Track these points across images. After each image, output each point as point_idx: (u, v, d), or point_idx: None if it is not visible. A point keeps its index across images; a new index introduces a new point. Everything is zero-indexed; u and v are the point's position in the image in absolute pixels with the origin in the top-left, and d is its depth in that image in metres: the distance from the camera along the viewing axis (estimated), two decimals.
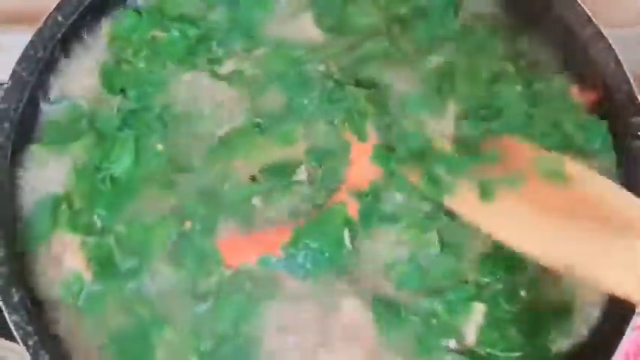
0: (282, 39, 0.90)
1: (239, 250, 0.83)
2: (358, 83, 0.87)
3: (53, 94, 0.87)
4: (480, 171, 0.81)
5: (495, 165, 0.81)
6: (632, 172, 0.84)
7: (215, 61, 0.89)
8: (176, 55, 0.89)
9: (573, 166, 0.79)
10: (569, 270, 0.72)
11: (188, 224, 0.82)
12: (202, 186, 0.84)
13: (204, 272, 0.81)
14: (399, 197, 0.84)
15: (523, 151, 0.82)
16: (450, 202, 0.81)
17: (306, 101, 0.87)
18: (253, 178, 0.84)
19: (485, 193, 0.79)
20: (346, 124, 0.86)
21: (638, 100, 0.82)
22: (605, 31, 0.85)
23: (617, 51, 0.84)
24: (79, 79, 0.88)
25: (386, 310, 0.81)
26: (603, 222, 0.72)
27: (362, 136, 0.85)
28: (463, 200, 0.80)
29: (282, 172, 0.85)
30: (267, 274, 0.82)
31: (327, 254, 0.81)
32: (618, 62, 0.84)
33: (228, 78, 0.88)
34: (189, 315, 0.80)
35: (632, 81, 0.83)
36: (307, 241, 0.81)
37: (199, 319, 0.80)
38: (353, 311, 0.81)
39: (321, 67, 0.88)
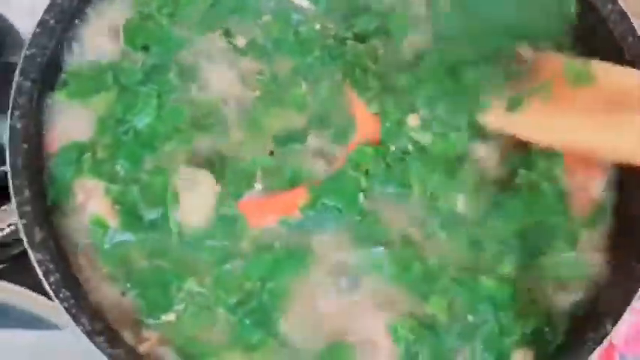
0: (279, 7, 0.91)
1: (260, 211, 0.85)
2: (357, 37, 0.89)
3: (78, 45, 0.89)
4: (511, 86, 0.84)
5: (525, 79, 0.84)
6: None
7: (229, 32, 0.90)
8: (194, 17, 0.90)
9: (599, 66, 0.82)
10: (588, 151, 0.81)
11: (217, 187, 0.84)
12: (219, 149, 0.86)
13: (229, 232, 0.84)
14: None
15: (550, 61, 0.85)
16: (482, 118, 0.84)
17: (310, 61, 0.88)
18: (272, 153, 0.86)
19: (515, 103, 0.82)
20: (347, 79, 0.87)
21: None
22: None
23: None
24: (103, 32, 0.90)
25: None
26: (619, 105, 0.79)
27: (363, 91, 0.87)
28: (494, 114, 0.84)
29: (295, 138, 0.87)
30: (293, 234, 0.84)
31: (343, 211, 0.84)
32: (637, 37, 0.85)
33: (242, 49, 0.90)
34: (216, 269, 0.83)
35: None
36: (325, 201, 0.83)
37: (227, 273, 0.83)
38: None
39: (317, 27, 0.89)
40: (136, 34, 0.89)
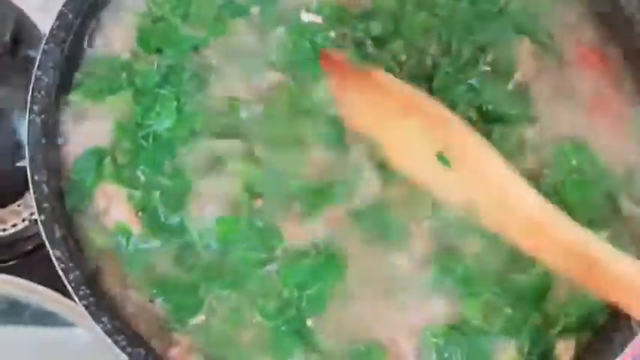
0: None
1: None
2: (376, 42, 0.88)
3: (95, 42, 0.89)
4: None
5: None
6: None
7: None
8: (205, 18, 0.90)
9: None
10: None
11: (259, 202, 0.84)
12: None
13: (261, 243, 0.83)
14: None
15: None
16: None
17: None
18: None
19: None
20: None
21: None
22: None
23: None
24: (119, 31, 0.90)
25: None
26: None
27: None
28: None
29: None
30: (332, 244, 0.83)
31: None
32: None
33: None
34: (251, 276, 0.82)
35: None
36: None
37: (262, 280, 0.82)
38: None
39: (332, 34, 0.89)
40: (149, 37, 0.89)
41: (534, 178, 0.83)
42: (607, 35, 0.92)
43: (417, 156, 0.82)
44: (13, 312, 1.03)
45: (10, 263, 1.11)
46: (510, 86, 0.88)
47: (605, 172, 0.86)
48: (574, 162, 0.85)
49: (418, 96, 0.83)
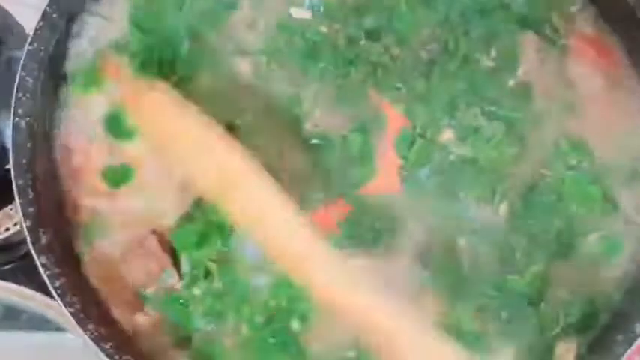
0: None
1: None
2: (369, 35, 0.88)
3: (81, 38, 0.88)
4: None
5: None
6: None
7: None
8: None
9: None
10: None
11: None
12: None
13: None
14: None
15: None
16: None
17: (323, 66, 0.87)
18: None
19: None
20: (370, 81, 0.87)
21: None
22: None
23: None
24: (106, 27, 0.89)
25: None
26: None
27: (390, 92, 0.86)
28: None
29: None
30: None
31: None
32: None
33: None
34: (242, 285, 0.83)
35: None
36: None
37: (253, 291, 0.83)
38: None
39: (324, 29, 0.88)
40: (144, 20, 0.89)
41: (535, 177, 0.84)
42: (607, 29, 0.91)
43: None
44: (10, 316, 1.04)
45: (6, 267, 1.11)
46: (512, 82, 0.88)
47: (604, 170, 0.86)
48: (573, 160, 0.85)
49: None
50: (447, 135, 0.86)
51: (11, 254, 1.11)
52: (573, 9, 0.91)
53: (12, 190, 1.06)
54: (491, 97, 0.87)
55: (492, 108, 0.86)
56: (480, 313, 0.82)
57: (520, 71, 0.88)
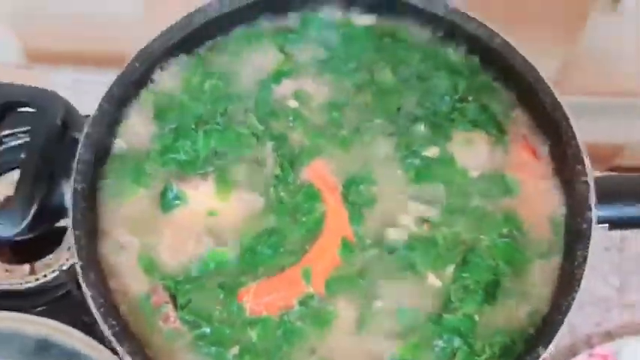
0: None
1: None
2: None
3: (123, 133, 1.01)
4: None
5: None
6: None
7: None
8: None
9: None
10: None
11: None
12: None
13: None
14: None
15: None
16: None
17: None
18: None
19: None
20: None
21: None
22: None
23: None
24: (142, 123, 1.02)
25: None
26: None
27: None
28: None
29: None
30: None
31: None
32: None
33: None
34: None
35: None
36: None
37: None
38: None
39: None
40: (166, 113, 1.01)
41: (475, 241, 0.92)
42: (539, 133, 0.98)
43: None
44: (39, 353, 1.14)
45: (39, 309, 1.24)
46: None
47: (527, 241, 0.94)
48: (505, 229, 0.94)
49: None
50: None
51: (44, 298, 1.27)
52: (513, 112, 1.00)
53: (51, 244, 1.24)
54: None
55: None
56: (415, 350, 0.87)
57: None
